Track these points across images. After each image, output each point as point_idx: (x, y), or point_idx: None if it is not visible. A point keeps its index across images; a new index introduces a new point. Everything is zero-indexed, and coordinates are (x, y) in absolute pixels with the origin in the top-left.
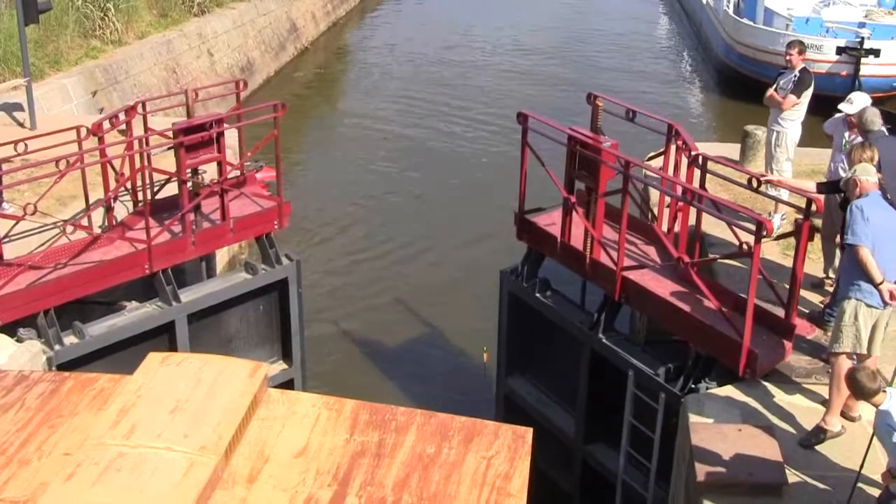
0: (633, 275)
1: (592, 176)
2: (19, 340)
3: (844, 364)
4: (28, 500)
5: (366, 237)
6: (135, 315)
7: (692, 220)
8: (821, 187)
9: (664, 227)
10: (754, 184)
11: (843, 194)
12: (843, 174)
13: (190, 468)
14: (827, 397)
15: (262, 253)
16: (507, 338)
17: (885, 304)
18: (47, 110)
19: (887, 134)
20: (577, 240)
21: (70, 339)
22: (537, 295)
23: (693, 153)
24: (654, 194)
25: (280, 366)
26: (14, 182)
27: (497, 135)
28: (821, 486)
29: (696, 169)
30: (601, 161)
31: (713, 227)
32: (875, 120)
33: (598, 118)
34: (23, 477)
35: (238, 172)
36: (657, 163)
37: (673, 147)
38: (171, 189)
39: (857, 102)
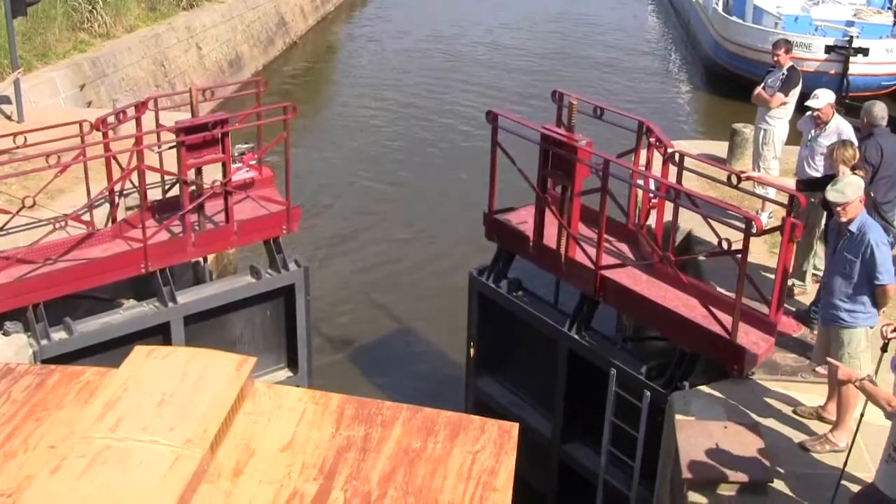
0: (611, 273)
1: (568, 175)
2: (5, 334)
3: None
4: (13, 493)
5: (354, 236)
6: (128, 314)
7: (672, 218)
8: (800, 185)
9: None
10: (734, 180)
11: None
12: (808, 170)
13: (175, 461)
14: (816, 396)
15: (269, 258)
16: (477, 339)
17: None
18: (35, 103)
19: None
20: (549, 239)
21: (59, 335)
22: (509, 295)
23: (669, 150)
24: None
25: (286, 373)
26: (8, 174)
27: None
28: (806, 483)
29: (672, 166)
30: (578, 160)
31: (701, 225)
32: (884, 115)
33: (571, 116)
34: (8, 470)
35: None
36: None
37: (645, 145)
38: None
39: (822, 97)
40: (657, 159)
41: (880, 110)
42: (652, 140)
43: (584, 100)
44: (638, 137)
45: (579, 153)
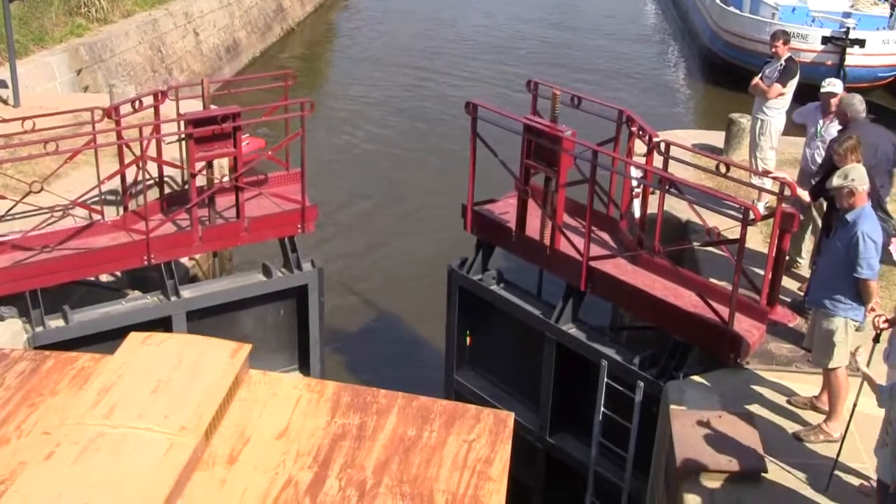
0: (599, 264)
1: (552, 165)
2: (0, 318)
3: (843, 375)
4: (6, 480)
5: (350, 227)
6: (129, 306)
7: (658, 207)
8: (814, 192)
9: (617, 214)
10: (722, 169)
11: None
12: (819, 161)
13: (170, 449)
14: (811, 386)
15: (283, 257)
16: (457, 333)
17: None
18: (31, 88)
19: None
20: (532, 230)
21: (55, 323)
22: (492, 288)
23: (654, 139)
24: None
25: (298, 374)
26: (15, 158)
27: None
28: (799, 473)
29: (657, 155)
30: (563, 150)
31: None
32: (863, 107)
33: (555, 106)
34: (1, 456)
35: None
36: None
37: (626, 134)
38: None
39: (838, 85)
40: (639, 150)
41: (859, 102)
42: (634, 129)
43: (564, 90)
44: (618, 127)
45: (564, 143)
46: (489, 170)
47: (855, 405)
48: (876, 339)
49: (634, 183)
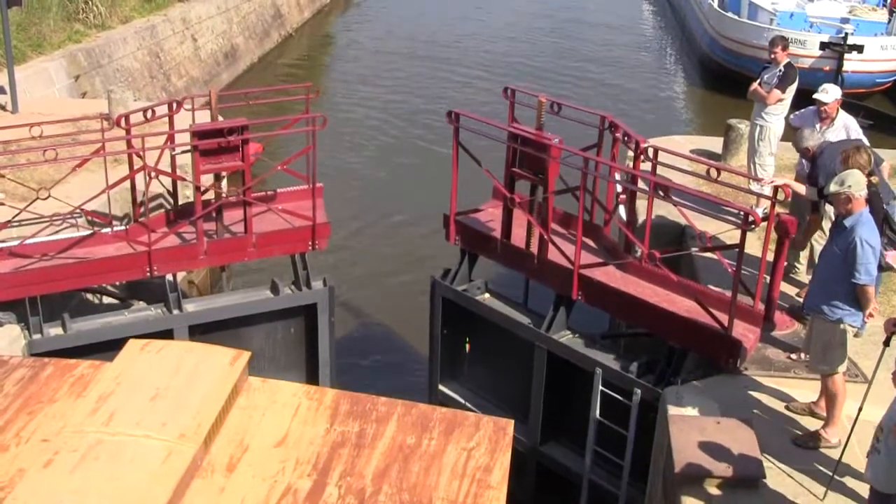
0: (589, 272)
1: (538, 173)
2: None
3: (840, 380)
4: (5, 487)
5: (346, 234)
6: (131, 317)
7: (646, 212)
8: (820, 193)
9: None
10: (713, 174)
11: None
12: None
13: (168, 456)
14: (809, 392)
15: (293, 273)
16: (441, 345)
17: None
18: (29, 94)
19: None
20: (517, 238)
21: (54, 331)
22: (478, 298)
23: (642, 145)
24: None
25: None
26: (19, 164)
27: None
28: (798, 479)
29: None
30: (552, 158)
31: (695, 220)
32: (809, 136)
33: (541, 114)
34: (0, 463)
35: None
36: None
37: (611, 141)
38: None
39: (831, 92)
40: (622, 156)
41: (809, 134)
42: (618, 135)
43: (548, 98)
44: (600, 133)
45: (552, 151)
46: (477, 178)
47: (860, 411)
48: (886, 343)
49: (619, 188)
